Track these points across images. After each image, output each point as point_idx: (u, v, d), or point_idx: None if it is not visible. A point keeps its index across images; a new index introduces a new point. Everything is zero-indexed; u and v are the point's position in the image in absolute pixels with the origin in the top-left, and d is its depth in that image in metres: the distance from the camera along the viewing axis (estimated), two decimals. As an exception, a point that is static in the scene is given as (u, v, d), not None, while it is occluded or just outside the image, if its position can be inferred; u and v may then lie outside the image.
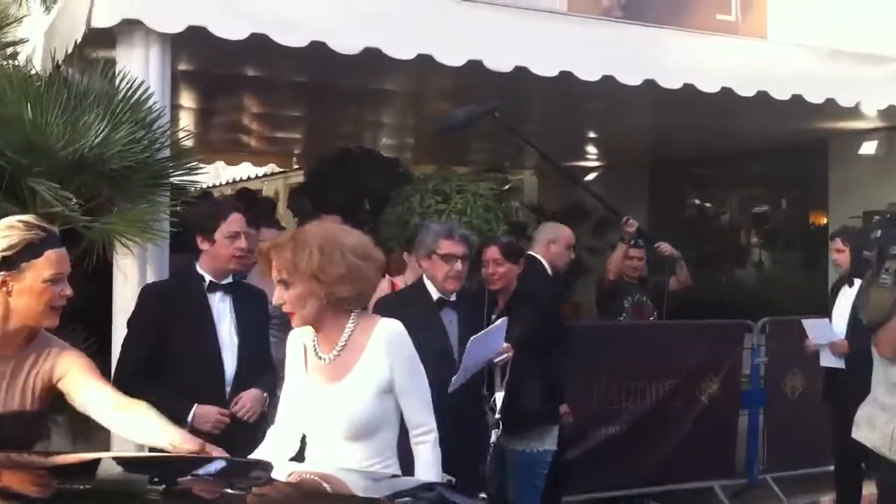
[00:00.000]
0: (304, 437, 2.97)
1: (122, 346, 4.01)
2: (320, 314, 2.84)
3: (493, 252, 4.79)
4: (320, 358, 2.90)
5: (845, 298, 5.99)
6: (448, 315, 4.27)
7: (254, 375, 3.91)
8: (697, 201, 11.86)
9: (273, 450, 2.97)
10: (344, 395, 2.83)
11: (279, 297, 2.84)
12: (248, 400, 3.82)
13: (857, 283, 5.86)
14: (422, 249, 4.30)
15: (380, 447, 2.87)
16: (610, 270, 6.47)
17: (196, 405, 3.73)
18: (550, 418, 4.91)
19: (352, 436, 2.83)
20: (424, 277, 4.32)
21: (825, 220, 9.17)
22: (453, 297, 4.28)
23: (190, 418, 3.69)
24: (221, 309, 3.93)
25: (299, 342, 2.97)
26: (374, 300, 3.95)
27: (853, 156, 8.55)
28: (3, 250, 2.72)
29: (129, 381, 3.43)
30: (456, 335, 4.21)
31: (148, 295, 4.03)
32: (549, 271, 5.36)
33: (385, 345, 2.86)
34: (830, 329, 6.01)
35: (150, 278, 4.48)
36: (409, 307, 4.06)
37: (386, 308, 3.75)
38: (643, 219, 10.35)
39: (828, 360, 6.02)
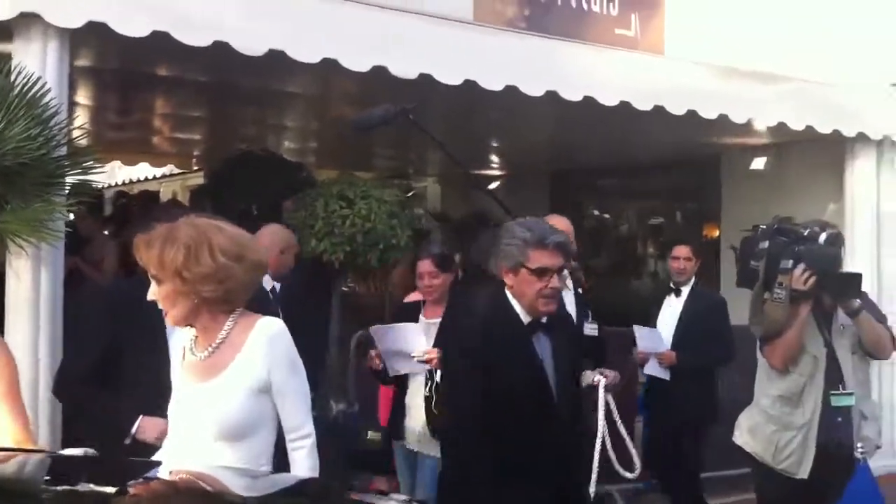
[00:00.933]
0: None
1: (66, 350, 3.88)
2: (193, 312, 2.77)
3: (426, 265, 4.79)
4: (195, 356, 2.83)
5: (671, 308, 6.24)
6: (541, 342, 3.54)
7: None
8: (596, 212, 12.10)
9: (163, 451, 2.92)
10: (215, 394, 2.75)
11: (152, 292, 2.77)
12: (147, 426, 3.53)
13: (685, 292, 6.24)
14: (506, 261, 3.52)
15: (254, 450, 2.78)
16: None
17: (142, 416, 3.56)
18: None
19: (223, 437, 2.74)
20: (509, 294, 3.55)
21: (717, 233, 9.47)
22: (544, 320, 3.57)
23: (134, 429, 3.57)
24: None
25: (180, 343, 2.91)
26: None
27: (745, 171, 8.86)
28: None
29: (73, 388, 3.34)
30: (552, 366, 3.52)
31: (99, 299, 3.90)
32: None
33: (264, 344, 2.77)
34: (660, 339, 6.16)
35: (45, 279, 4.37)
36: (494, 331, 3.53)
37: (470, 332, 3.58)
38: (543, 227, 10.55)
39: (652, 370, 6.13)
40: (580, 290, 5.20)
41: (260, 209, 7.22)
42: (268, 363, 2.76)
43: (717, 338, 6.01)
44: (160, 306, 2.78)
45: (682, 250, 6.30)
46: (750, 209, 8.66)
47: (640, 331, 6.19)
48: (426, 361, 4.40)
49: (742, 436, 4.50)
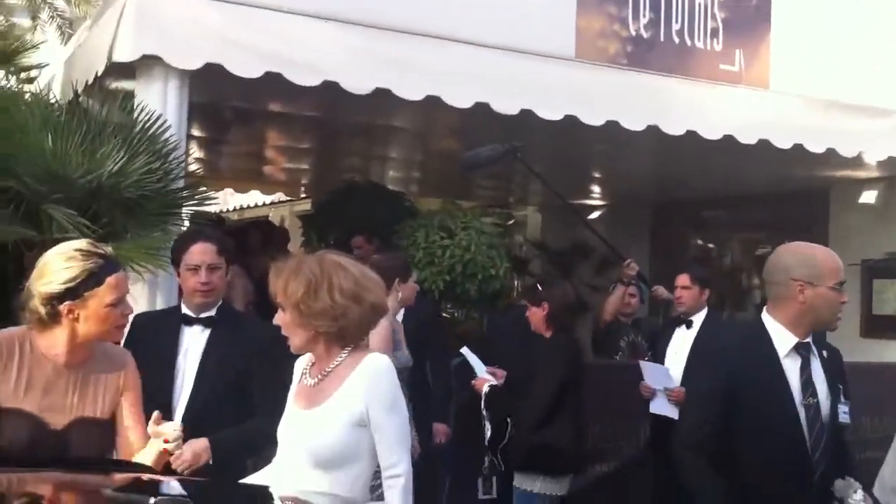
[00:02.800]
0: None
1: None
2: (310, 342, 2.87)
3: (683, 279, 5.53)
4: (306, 381, 2.93)
5: (681, 340, 5.73)
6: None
7: (218, 416, 3.59)
8: (700, 242, 11.95)
9: (268, 472, 3.00)
10: (315, 422, 2.83)
11: (277, 318, 2.89)
12: (189, 453, 3.29)
13: (697, 323, 5.72)
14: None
15: (349, 480, 2.81)
16: (607, 311, 6.57)
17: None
18: None
19: (318, 464, 2.80)
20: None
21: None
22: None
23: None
24: (193, 344, 3.77)
25: (300, 369, 3.02)
26: None
27: (853, 204, 8.67)
28: (66, 282, 2.88)
29: None
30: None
31: (131, 323, 3.91)
32: None
33: (366, 377, 2.82)
34: (668, 375, 5.66)
35: (160, 304, 4.59)
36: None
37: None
38: (645, 258, 10.50)
39: (659, 408, 5.63)
40: None
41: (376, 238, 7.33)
42: (367, 397, 2.81)
43: None
44: (284, 332, 2.90)
45: (681, 279, 5.80)
46: (858, 243, 8.51)
47: (645, 366, 5.79)
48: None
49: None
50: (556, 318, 5.14)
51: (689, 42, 6.09)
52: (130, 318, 4.14)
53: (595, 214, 11.73)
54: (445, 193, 11.48)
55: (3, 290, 4.55)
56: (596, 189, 11.18)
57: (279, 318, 2.88)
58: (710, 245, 11.83)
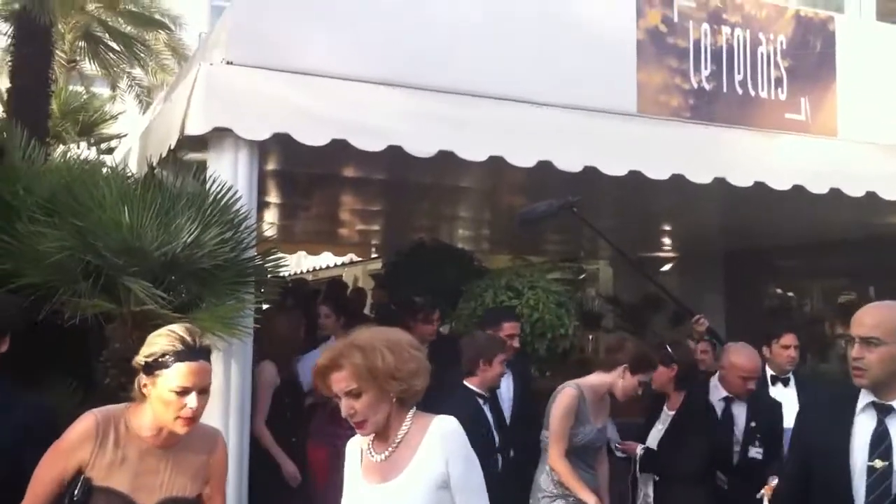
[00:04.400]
0: None
1: None
2: (388, 416, 2.88)
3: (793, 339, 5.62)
4: (374, 457, 2.93)
5: (781, 398, 5.50)
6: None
7: None
8: (780, 290, 11.76)
9: None
10: (398, 492, 2.85)
11: (349, 407, 2.85)
12: None
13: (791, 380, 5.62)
14: None
15: None
16: None
17: None
18: None
19: None
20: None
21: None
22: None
23: None
24: None
25: (357, 448, 3.01)
26: None
27: (932, 249, 8.46)
28: (146, 356, 3.00)
29: None
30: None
31: None
32: None
33: (440, 440, 2.86)
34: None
35: (234, 373, 4.67)
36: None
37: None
38: (720, 308, 10.36)
39: None
40: None
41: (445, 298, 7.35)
42: (445, 458, 2.84)
43: None
44: (358, 419, 2.85)
45: (790, 338, 5.72)
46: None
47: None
48: None
49: None
50: (685, 379, 5.31)
51: (752, 92, 6.06)
52: (214, 384, 4.27)
53: (667, 266, 11.65)
54: (516, 250, 11.53)
55: (84, 364, 4.71)
56: (666, 241, 11.11)
57: (352, 406, 2.84)
58: (790, 293, 11.64)
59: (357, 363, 2.83)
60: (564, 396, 4.89)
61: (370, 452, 2.95)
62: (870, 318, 3.15)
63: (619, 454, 5.40)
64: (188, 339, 3.01)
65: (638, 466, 5.34)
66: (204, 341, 3.10)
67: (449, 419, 2.93)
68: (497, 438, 5.10)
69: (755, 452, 5.12)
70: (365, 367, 2.83)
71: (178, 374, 2.96)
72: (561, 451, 4.82)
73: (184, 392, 2.96)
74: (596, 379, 5.02)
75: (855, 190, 6.10)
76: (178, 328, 3.07)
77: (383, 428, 2.90)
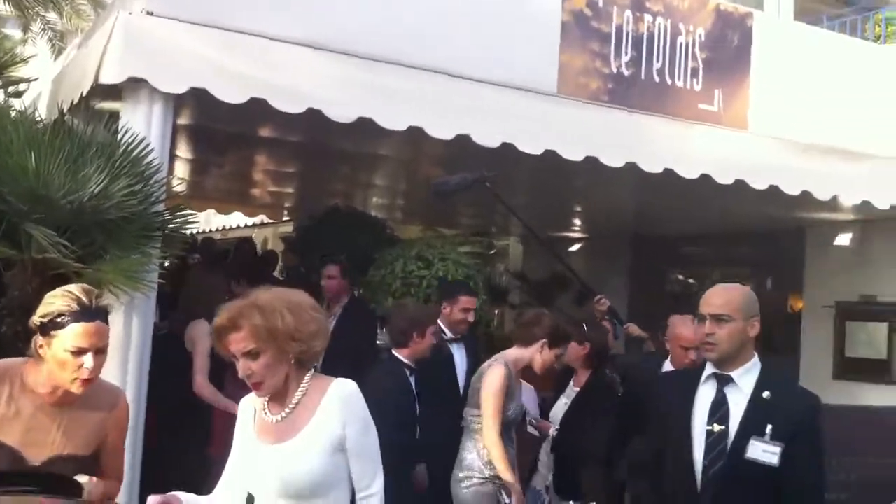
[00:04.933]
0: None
1: None
2: (285, 377, 2.87)
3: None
4: (268, 417, 2.92)
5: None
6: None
7: None
8: (681, 277, 12.04)
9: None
10: (293, 454, 2.84)
11: (247, 368, 2.82)
12: None
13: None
14: None
15: None
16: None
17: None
18: None
19: (298, 495, 2.82)
20: None
21: (800, 306, 9.36)
22: None
23: None
24: None
25: (250, 407, 3.00)
26: None
27: (829, 246, 8.78)
28: (42, 316, 2.95)
29: None
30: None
31: None
32: None
33: (339, 402, 2.86)
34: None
35: (135, 326, 4.60)
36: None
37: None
38: (624, 291, 10.59)
39: None
40: None
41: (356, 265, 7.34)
42: (342, 421, 2.85)
43: None
44: (255, 380, 2.83)
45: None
46: (834, 284, 8.61)
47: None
48: None
49: None
50: (595, 357, 5.57)
51: (669, 81, 6.18)
52: (113, 340, 4.21)
53: (576, 247, 11.84)
54: (429, 221, 11.55)
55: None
56: (576, 222, 11.28)
57: (249, 367, 2.82)
58: (691, 280, 11.93)
59: (256, 324, 2.80)
60: (496, 374, 4.89)
61: (265, 412, 2.94)
62: (718, 297, 3.43)
63: (531, 430, 5.48)
64: (84, 299, 2.98)
65: (550, 446, 5.42)
66: (101, 301, 3.07)
67: (348, 382, 2.93)
68: (418, 411, 5.12)
69: None
70: (264, 327, 2.80)
71: (73, 334, 2.93)
72: (498, 430, 4.81)
73: (79, 352, 2.93)
74: (516, 353, 5.09)
75: (759, 183, 6.25)
76: (76, 288, 3.03)
77: (281, 389, 2.89)
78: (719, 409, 3.35)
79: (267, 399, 2.94)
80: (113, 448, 3.15)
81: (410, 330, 5.11)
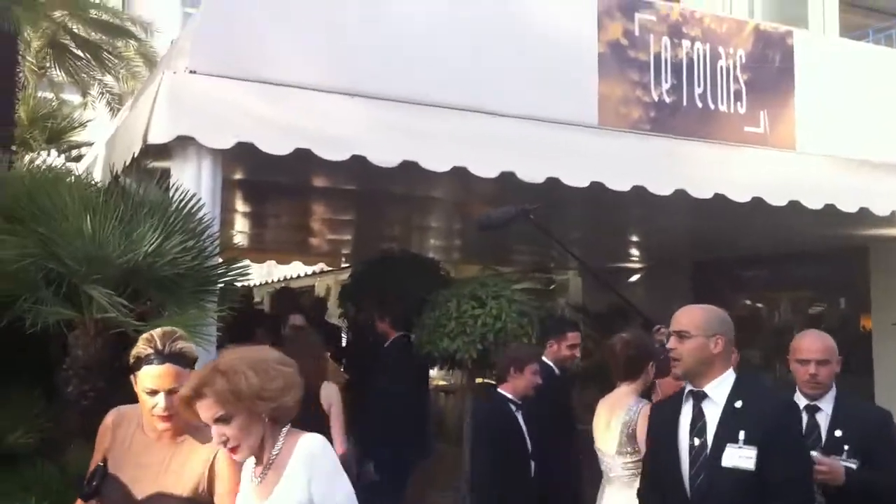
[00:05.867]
0: None
1: None
2: (261, 438, 2.84)
3: None
4: (253, 479, 2.90)
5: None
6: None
7: None
8: (748, 301, 11.85)
9: None
10: None
11: (221, 434, 2.80)
12: None
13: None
14: None
15: None
16: None
17: None
18: None
19: None
20: None
21: (868, 325, 9.16)
22: None
23: None
24: None
25: (248, 467, 2.97)
26: None
27: (893, 262, 8.58)
28: (132, 357, 3.21)
29: None
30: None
31: None
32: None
33: (304, 460, 2.81)
34: None
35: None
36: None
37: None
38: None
39: None
40: None
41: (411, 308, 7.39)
42: (308, 478, 2.80)
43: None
44: (230, 445, 2.81)
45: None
46: (901, 301, 8.42)
47: None
48: None
49: None
50: None
51: (712, 105, 6.16)
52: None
53: (636, 277, 11.75)
54: (486, 260, 11.59)
55: (46, 371, 4.71)
56: (633, 252, 11.21)
57: (223, 433, 2.80)
58: (759, 304, 11.74)
59: (220, 389, 2.77)
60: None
61: (252, 474, 2.92)
62: (684, 316, 3.63)
63: None
64: (159, 343, 3.17)
65: None
66: (176, 346, 3.21)
67: (315, 438, 2.89)
68: (530, 446, 5.23)
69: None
70: (229, 391, 2.76)
71: (146, 375, 3.14)
72: None
73: (152, 393, 3.12)
74: (639, 387, 5.02)
75: (814, 202, 6.15)
76: (156, 332, 3.24)
77: (259, 449, 2.86)
78: (697, 423, 3.54)
79: (254, 465, 2.91)
80: (220, 498, 3.16)
81: (509, 365, 5.31)
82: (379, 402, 6.95)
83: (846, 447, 3.88)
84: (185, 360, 3.20)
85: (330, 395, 5.69)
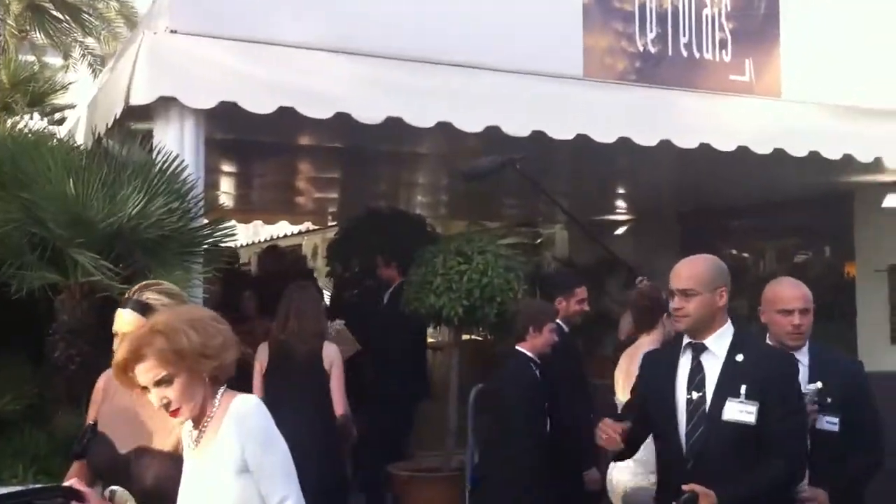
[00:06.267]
0: None
1: None
2: (203, 398, 2.75)
3: None
4: (190, 442, 2.83)
5: None
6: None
7: None
8: (734, 251, 11.88)
9: None
10: (202, 476, 2.76)
11: (162, 397, 2.68)
12: None
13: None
14: None
15: None
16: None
17: None
18: None
19: None
20: None
21: (853, 272, 9.21)
22: None
23: None
24: None
25: (186, 427, 2.86)
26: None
27: (877, 208, 8.60)
28: None
29: None
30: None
31: None
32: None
33: (235, 422, 2.71)
34: None
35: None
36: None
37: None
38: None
39: None
40: None
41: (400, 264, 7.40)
42: (241, 441, 2.71)
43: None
44: (173, 407, 2.71)
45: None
46: (885, 247, 8.45)
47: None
48: None
49: None
50: None
51: (697, 55, 6.12)
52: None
53: (622, 229, 11.76)
54: (474, 215, 11.58)
55: (34, 335, 4.71)
56: (619, 204, 11.21)
57: (164, 395, 2.69)
58: (745, 254, 11.78)
59: (161, 348, 2.65)
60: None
61: (190, 434, 2.84)
62: (685, 271, 3.55)
63: None
64: (133, 293, 3.33)
65: None
66: (143, 295, 3.30)
67: (247, 399, 2.80)
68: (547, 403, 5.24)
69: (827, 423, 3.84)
70: (171, 350, 2.65)
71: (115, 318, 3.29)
72: None
73: (116, 335, 3.25)
74: (658, 337, 5.10)
75: (798, 150, 6.14)
76: (143, 282, 3.43)
77: (199, 411, 2.77)
78: (696, 377, 3.49)
79: (192, 425, 2.82)
80: None
81: (528, 324, 5.27)
82: (382, 344, 7.14)
83: (829, 399, 3.80)
84: (141, 309, 3.23)
85: (331, 354, 5.68)
